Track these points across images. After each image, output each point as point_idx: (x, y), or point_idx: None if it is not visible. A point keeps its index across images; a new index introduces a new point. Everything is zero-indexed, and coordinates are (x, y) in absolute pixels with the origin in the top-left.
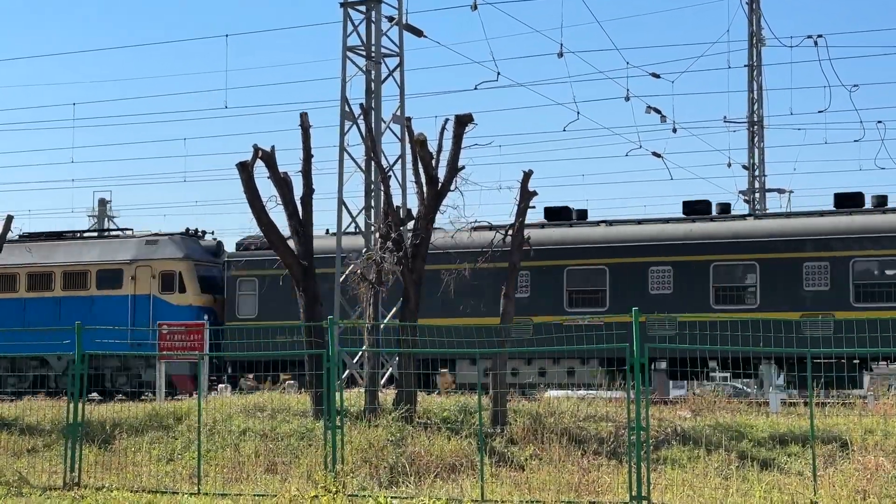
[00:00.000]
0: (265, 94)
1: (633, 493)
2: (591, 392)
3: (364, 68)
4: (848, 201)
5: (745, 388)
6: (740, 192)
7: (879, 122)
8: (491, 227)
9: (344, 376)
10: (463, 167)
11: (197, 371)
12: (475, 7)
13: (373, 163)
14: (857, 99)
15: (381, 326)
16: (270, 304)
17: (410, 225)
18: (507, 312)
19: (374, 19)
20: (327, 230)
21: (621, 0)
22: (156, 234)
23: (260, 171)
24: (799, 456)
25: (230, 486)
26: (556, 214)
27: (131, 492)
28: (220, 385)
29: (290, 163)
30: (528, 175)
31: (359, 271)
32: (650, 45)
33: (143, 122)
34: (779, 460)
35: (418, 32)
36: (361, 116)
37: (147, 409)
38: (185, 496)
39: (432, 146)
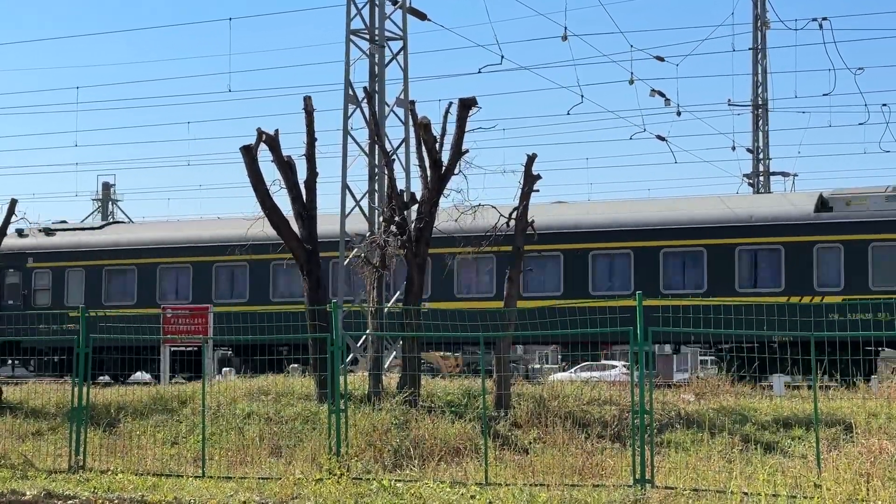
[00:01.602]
0: (269, 77)
1: (637, 477)
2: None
3: (368, 52)
4: None
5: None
6: (745, 175)
7: (884, 104)
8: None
9: (348, 360)
10: (467, 151)
11: (202, 354)
12: None
13: (376, 146)
14: (861, 82)
15: (385, 310)
16: None
17: (415, 209)
18: (511, 296)
19: (377, 3)
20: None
21: None
22: None
23: (264, 155)
24: (803, 439)
25: (234, 470)
26: None
27: (136, 475)
28: (225, 368)
29: (293, 146)
30: (531, 158)
31: (362, 255)
32: (654, 28)
33: (147, 105)
34: (782, 443)
35: (422, 16)
36: (365, 100)
37: (151, 393)
38: (190, 479)
39: (436, 130)
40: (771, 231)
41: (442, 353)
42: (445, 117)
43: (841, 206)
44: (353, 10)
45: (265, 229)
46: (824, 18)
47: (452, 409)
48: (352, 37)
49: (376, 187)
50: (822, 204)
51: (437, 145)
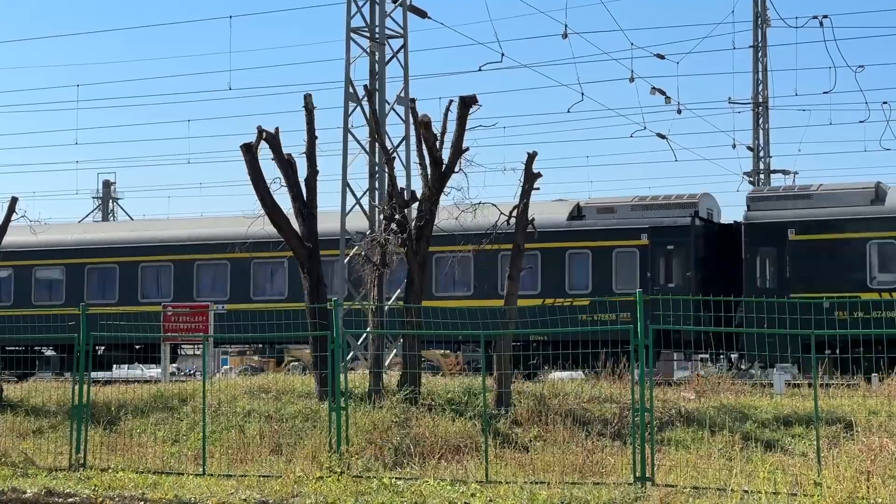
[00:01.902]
0: (269, 75)
1: (637, 474)
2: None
3: (368, 50)
4: None
5: (749, 369)
6: (745, 173)
7: (885, 102)
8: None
9: (349, 357)
10: (467, 149)
11: (203, 352)
12: None
13: (377, 144)
14: (862, 80)
15: (386, 308)
16: None
17: (415, 207)
18: (511, 294)
19: (377, 0)
20: None
21: None
22: None
23: (264, 153)
24: (803, 437)
25: (235, 468)
26: None
27: (136, 473)
28: (225, 366)
29: (294, 144)
30: (532, 157)
31: (363, 253)
32: (655, 26)
33: (147, 103)
34: (783, 441)
35: (422, 14)
36: (365, 98)
37: (152, 391)
38: (190, 477)
39: (436, 128)
40: (529, 237)
41: (443, 352)
42: (446, 115)
43: (593, 214)
44: (354, 8)
45: (265, 227)
46: (825, 16)
47: (453, 406)
48: (352, 35)
49: (377, 185)
50: (578, 212)
51: (438, 143)
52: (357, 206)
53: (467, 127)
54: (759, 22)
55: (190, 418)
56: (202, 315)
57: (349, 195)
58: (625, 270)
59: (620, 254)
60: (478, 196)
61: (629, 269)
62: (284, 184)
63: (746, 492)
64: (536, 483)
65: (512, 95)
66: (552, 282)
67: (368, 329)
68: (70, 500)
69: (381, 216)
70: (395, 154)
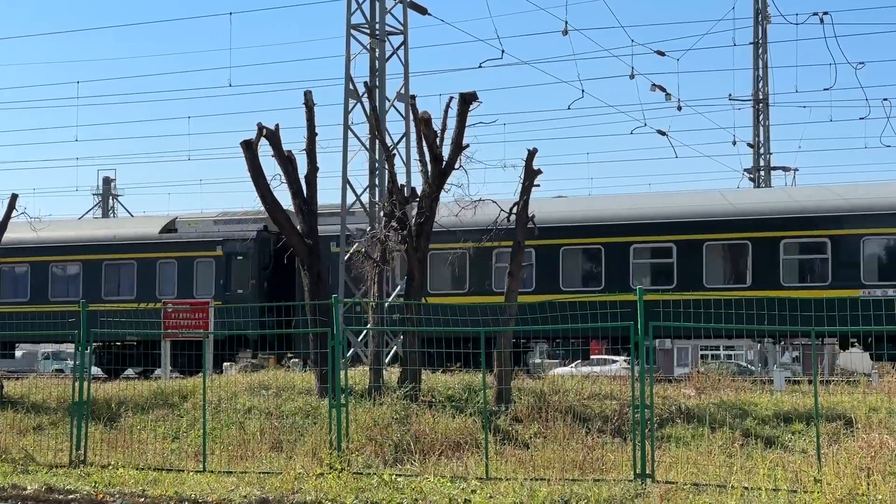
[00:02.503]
0: (269, 72)
1: (638, 471)
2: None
3: (368, 46)
4: None
5: (749, 366)
6: (745, 170)
7: (885, 99)
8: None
9: (349, 354)
10: (467, 145)
11: (203, 349)
12: None
13: (377, 141)
14: (862, 76)
15: (386, 305)
16: None
17: (415, 203)
18: (512, 290)
19: None
20: None
21: None
22: None
23: (264, 150)
24: (803, 434)
25: (235, 464)
26: None
27: (137, 469)
28: (226, 363)
29: (294, 141)
30: (532, 153)
31: (363, 250)
32: (655, 23)
33: (148, 100)
34: (783, 438)
35: (422, 10)
36: (366, 95)
37: (152, 388)
38: (191, 474)
39: (437, 124)
40: (127, 249)
41: None
42: (446, 112)
43: (185, 228)
44: (354, 5)
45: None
46: (825, 13)
47: (453, 403)
48: (352, 31)
49: (377, 182)
50: (172, 226)
51: (438, 140)
52: (357, 203)
53: (467, 124)
54: (760, 18)
55: (190, 415)
56: (202, 311)
57: (349, 192)
58: (204, 278)
59: (201, 263)
60: (478, 193)
61: (208, 277)
62: (284, 180)
63: (746, 488)
64: (536, 480)
65: (512, 92)
66: (145, 288)
67: (369, 326)
68: (70, 496)
69: (382, 213)
70: (395, 151)
